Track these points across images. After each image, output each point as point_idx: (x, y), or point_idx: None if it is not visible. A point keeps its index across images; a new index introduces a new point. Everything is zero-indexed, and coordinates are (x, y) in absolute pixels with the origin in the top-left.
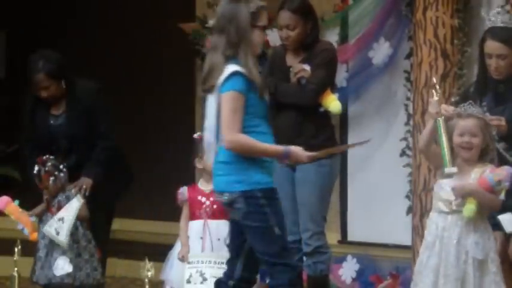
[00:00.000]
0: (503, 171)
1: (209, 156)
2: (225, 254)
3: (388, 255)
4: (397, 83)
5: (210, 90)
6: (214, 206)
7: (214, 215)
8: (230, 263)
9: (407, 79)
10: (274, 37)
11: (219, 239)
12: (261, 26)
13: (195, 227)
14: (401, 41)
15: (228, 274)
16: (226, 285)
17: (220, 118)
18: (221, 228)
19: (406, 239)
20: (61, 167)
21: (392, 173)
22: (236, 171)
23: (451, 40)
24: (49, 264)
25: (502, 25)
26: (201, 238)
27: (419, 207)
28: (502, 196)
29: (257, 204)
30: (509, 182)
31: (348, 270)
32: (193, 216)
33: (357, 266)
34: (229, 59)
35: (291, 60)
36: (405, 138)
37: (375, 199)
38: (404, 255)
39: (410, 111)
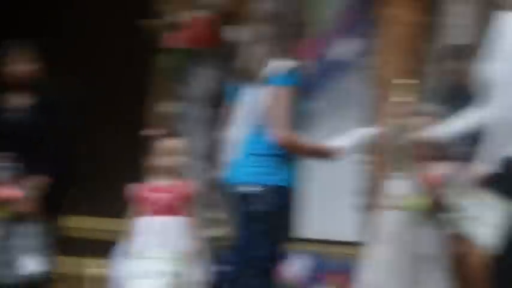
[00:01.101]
0: (449, 169)
1: (233, 150)
2: (176, 251)
3: (339, 251)
4: (360, 80)
5: (253, 82)
6: (170, 202)
7: (169, 210)
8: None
9: (371, 77)
10: (236, 34)
11: (169, 235)
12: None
13: (149, 222)
14: (366, 39)
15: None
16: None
17: (265, 111)
18: (172, 224)
19: (357, 236)
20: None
21: (343, 169)
22: (265, 164)
23: (416, 38)
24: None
25: None
26: (152, 234)
27: (370, 204)
28: (444, 201)
29: (276, 202)
30: (452, 179)
31: (300, 267)
32: (144, 213)
33: (309, 263)
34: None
35: None
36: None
37: (327, 196)
38: (355, 252)
39: (370, 109)
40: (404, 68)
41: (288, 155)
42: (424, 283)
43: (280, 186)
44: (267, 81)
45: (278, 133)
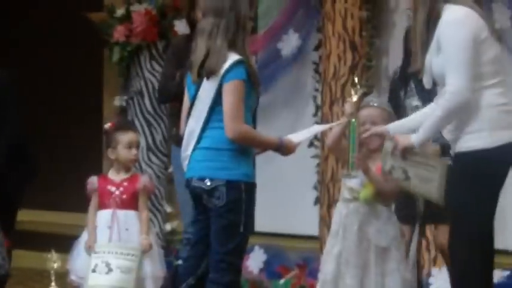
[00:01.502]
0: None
1: (190, 144)
2: (133, 245)
3: (295, 245)
4: (305, 74)
5: (207, 75)
6: (124, 196)
7: (124, 204)
8: (194, 259)
9: (316, 71)
10: (182, 28)
11: (127, 229)
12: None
13: (103, 216)
14: (310, 32)
15: (190, 271)
16: (186, 282)
17: (214, 106)
18: (130, 218)
19: (313, 230)
20: None
21: (300, 163)
22: (225, 158)
23: (359, 32)
24: None
25: None
26: (109, 228)
27: (326, 197)
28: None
29: (237, 197)
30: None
31: (255, 261)
32: (102, 206)
33: (264, 257)
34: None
35: None
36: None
37: (283, 190)
38: (311, 246)
39: (319, 102)
40: (349, 62)
41: (244, 148)
42: (381, 274)
43: (237, 181)
44: (218, 75)
45: (232, 126)
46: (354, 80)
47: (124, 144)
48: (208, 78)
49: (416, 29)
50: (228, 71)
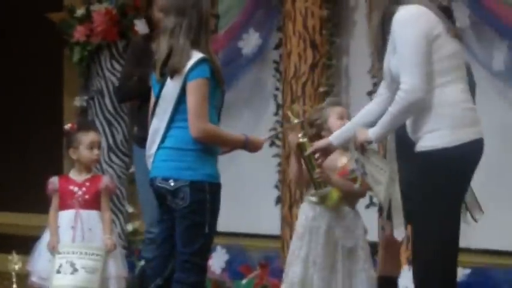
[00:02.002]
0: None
1: (154, 143)
2: (96, 245)
3: (257, 245)
4: (266, 73)
5: (170, 74)
6: (86, 196)
7: (86, 205)
8: (161, 260)
9: (277, 69)
10: (142, 27)
11: (90, 229)
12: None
13: (65, 216)
14: (270, 31)
15: (157, 271)
16: (154, 283)
17: (178, 104)
18: (93, 218)
19: (275, 229)
20: None
21: (261, 163)
22: (189, 158)
23: (320, 31)
24: None
25: None
26: (72, 228)
27: (288, 197)
28: (357, 185)
29: (201, 197)
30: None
31: (217, 260)
32: (64, 206)
33: (226, 256)
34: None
35: None
36: (274, 129)
37: (244, 189)
38: (273, 245)
39: (280, 101)
40: (309, 60)
41: (208, 148)
42: (348, 274)
43: (201, 181)
44: (182, 73)
45: (197, 125)
46: (290, 105)
47: (86, 145)
48: (172, 77)
49: (371, 32)
50: (191, 69)
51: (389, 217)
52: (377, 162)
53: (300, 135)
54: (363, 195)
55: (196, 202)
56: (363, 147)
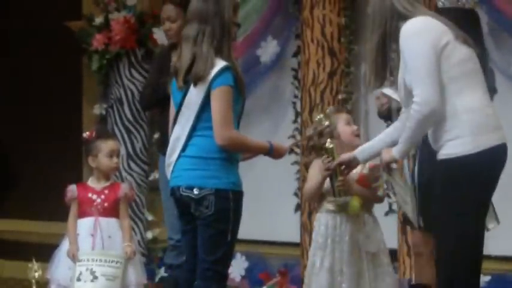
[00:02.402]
0: (378, 166)
1: (175, 151)
2: (116, 253)
3: (276, 252)
4: (284, 81)
5: (194, 82)
6: (106, 204)
7: (105, 212)
8: (190, 273)
9: (295, 77)
10: (161, 35)
11: (110, 237)
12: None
13: (85, 224)
14: (288, 39)
15: (189, 283)
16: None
17: (201, 112)
18: (112, 226)
19: (294, 236)
20: None
21: (280, 170)
22: (213, 167)
23: (338, 38)
24: None
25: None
26: (92, 236)
27: (307, 204)
28: (380, 193)
29: (226, 206)
30: (381, 172)
31: (236, 268)
32: (83, 214)
33: (245, 264)
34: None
35: None
36: (293, 136)
37: (264, 196)
38: (292, 252)
39: (298, 109)
40: (327, 68)
41: (231, 156)
42: (374, 279)
43: (226, 190)
44: (205, 81)
45: (222, 133)
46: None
47: (105, 153)
48: (195, 84)
49: (368, 49)
50: (216, 77)
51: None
52: (401, 182)
53: (328, 140)
54: (381, 200)
55: (221, 210)
56: (389, 168)
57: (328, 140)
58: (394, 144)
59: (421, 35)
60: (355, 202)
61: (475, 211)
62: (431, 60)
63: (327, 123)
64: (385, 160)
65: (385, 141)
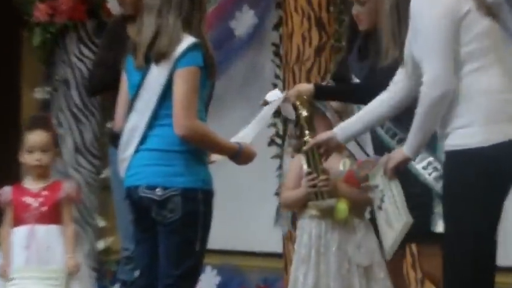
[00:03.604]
0: (370, 163)
1: (130, 144)
2: (55, 267)
3: (255, 264)
4: (263, 58)
5: (156, 59)
6: (44, 208)
7: (44, 218)
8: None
9: (276, 54)
10: (116, 5)
11: (48, 248)
12: None
13: (19, 233)
14: (268, 8)
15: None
16: None
17: (164, 97)
18: (52, 234)
19: (276, 246)
20: None
21: (258, 166)
22: (178, 162)
23: (326, 7)
24: None
25: None
26: (26, 247)
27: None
28: (373, 193)
29: (194, 208)
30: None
31: (207, 283)
32: (17, 222)
33: (217, 279)
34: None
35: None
36: (274, 124)
37: (239, 197)
38: (274, 265)
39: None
40: (314, 42)
41: (199, 149)
42: None
43: (195, 189)
44: (170, 59)
45: (183, 122)
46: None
47: (26, 148)
48: (158, 62)
49: (383, 15)
50: (182, 55)
51: None
52: (398, 202)
53: (306, 132)
54: (368, 205)
55: (189, 214)
56: (395, 172)
57: (306, 132)
58: (379, 120)
59: (436, 1)
60: (341, 205)
61: (485, 216)
62: (448, 32)
63: (305, 113)
64: (395, 161)
65: (369, 117)
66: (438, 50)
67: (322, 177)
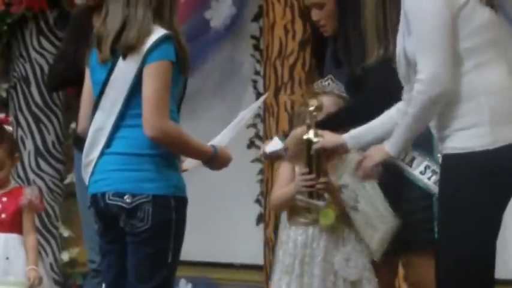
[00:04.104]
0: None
1: (95, 146)
2: (15, 279)
3: (233, 277)
4: (242, 52)
5: (124, 53)
6: (3, 216)
7: (3, 227)
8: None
9: (256, 47)
10: None
11: (7, 258)
12: None
13: None
14: None
15: None
16: None
17: (132, 95)
18: (11, 244)
19: (256, 257)
20: None
21: (237, 170)
22: (148, 166)
23: None
24: None
25: None
26: None
27: (273, 214)
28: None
29: (166, 217)
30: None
31: None
32: None
33: None
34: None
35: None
36: (254, 125)
37: (215, 205)
38: (254, 278)
39: (261, 89)
40: (299, 35)
41: (170, 153)
42: None
43: (166, 196)
44: (139, 53)
45: (153, 122)
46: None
47: None
48: (125, 57)
49: (366, 9)
50: (152, 48)
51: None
52: (379, 203)
53: (310, 130)
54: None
55: (161, 223)
56: (368, 172)
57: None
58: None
59: None
60: (328, 211)
61: (485, 225)
62: (445, 24)
63: (312, 108)
64: (375, 159)
65: (380, 133)
66: (435, 44)
67: (323, 179)
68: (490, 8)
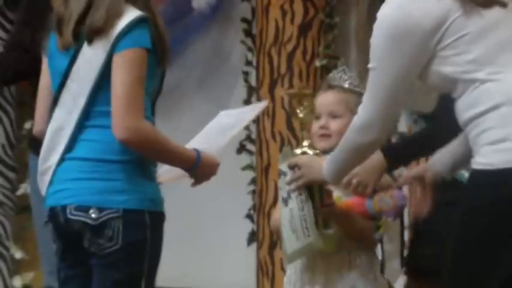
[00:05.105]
0: (393, 198)
1: (54, 151)
2: None
3: None
4: (231, 38)
5: (89, 38)
6: None
7: None
8: None
9: (247, 32)
10: None
11: None
12: None
13: None
14: None
15: None
16: None
17: (98, 89)
18: None
19: (247, 281)
20: None
21: (224, 179)
22: (120, 175)
23: None
24: None
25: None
26: None
27: (268, 232)
28: (379, 234)
29: (139, 235)
30: (395, 211)
31: None
32: None
33: None
34: None
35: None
36: (246, 127)
37: (198, 222)
38: None
39: (253, 82)
40: (298, 18)
41: (145, 160)
42: None
43: (140, 210)
44: (107, 38)
45: (125, 121)
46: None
47: None
48: (90, 42)
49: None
50: (124, 32)
51: None
52: (307, 216)
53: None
54: (374, 245)
55: (133, 243)
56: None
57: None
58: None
59: (395, 35)
60: (332, 236)
61: (502, 251)
62: (400, 76)
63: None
64: (309, 179)
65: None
66: (381, 96)
67: (329, 202)
68: (492, 6)
